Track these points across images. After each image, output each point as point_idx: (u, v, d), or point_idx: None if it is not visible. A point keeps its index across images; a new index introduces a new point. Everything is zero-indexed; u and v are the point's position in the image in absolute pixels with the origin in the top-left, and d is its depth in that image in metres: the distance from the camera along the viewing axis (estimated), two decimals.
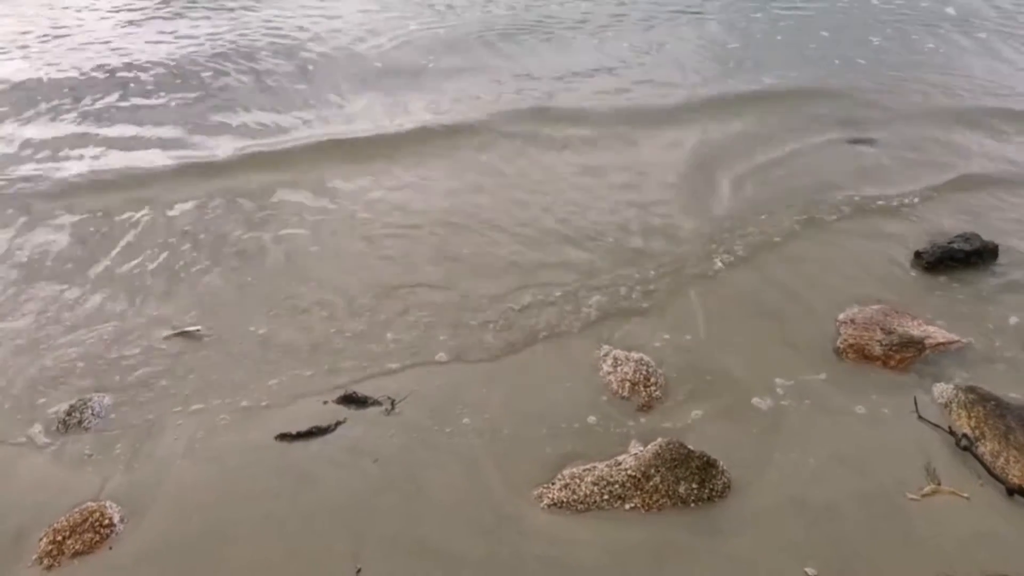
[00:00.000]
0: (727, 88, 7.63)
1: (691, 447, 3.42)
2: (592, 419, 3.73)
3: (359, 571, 3.01)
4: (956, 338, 4.12)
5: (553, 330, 4.33)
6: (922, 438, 3.57)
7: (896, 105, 7.26)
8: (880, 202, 5.59)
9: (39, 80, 7.89)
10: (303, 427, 3.67)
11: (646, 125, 6.90)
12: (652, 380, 3.89)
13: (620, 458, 3.45)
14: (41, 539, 3.16)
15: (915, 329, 4.17)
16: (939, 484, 3.33)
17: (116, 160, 6.37)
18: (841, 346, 4.11)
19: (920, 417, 3.67)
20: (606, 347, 4.16)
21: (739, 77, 7.93)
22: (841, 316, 4.33)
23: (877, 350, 4.04)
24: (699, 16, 9.61)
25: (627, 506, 3.26)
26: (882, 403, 3.78)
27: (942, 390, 3.83)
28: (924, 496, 3.28)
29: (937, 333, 4.15)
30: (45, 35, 9.13)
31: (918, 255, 4.83)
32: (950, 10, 9.69)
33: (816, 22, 9.41)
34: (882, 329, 4.15)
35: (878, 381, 3.93)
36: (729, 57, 8.41)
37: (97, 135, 6.81)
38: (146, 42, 8.92)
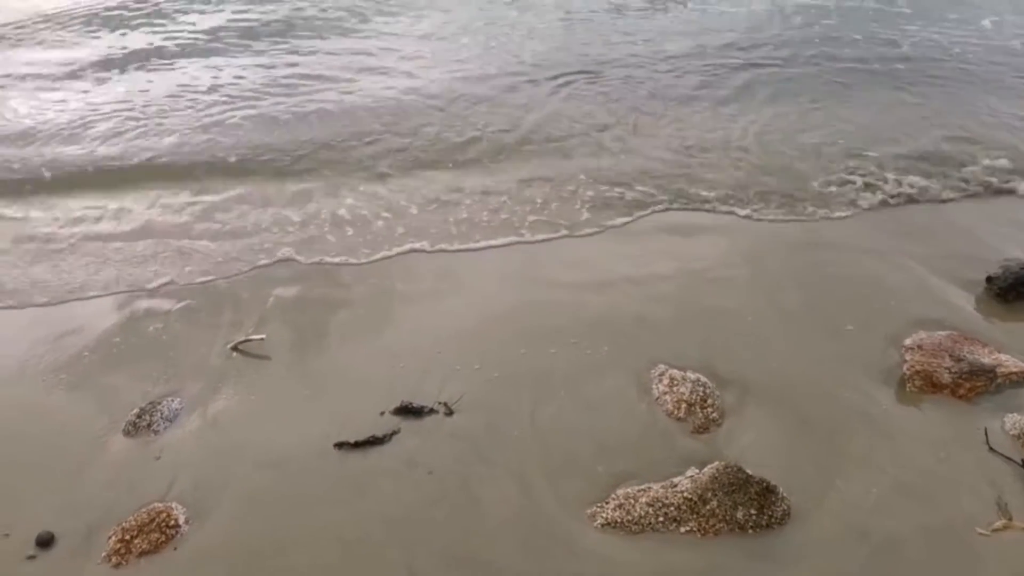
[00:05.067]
0: None
1: (750, 472, 3.37)
2: (646, 439, 3.70)
3: None
4: None
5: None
6: (993, 471, 3.45)
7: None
8: (951, 225, 5.44)
9: None
10: (361, 437, 3.74)
11: None
12: (709, 402, 3.84)
13: (676, 480, 3.41)
14: (110, 537, 3.29)
15: (986, 357, 4.03)
16: (1011, 519, 3.20)
17: None
18: (907, 372, 3.98)
19: (991, 449, 3.54)
20: (661, 366, 4.11)
21: None
22: (907, 342, 4.19)
23: (945, 377, 3.91)
24: None
25: (683, 529, 3.22)
26: (950, 433, 3.66)
27: (1015, 421, 3.68)
28: (994, 531, 3.16)
29: (1009, 362, 4.00)
30: None
31: (989, 280, 4.66)
32: None
33: None
34: (951, 356, 4.02)
35: (946, 410, 3.80)
36: None
37: None
38: None
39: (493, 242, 5.48)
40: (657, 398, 3.92)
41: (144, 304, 4.90)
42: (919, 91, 7.83)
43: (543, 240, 5.48)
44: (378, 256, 5.34)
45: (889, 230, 5.42)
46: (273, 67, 8.93)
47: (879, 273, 4.89)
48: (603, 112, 7.50)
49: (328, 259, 5.34)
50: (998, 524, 3.18)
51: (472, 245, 5.45)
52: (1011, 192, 5.91)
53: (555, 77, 8.28)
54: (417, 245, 5.45)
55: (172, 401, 4.04)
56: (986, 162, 6.29)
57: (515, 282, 4.97)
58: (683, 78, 8.22)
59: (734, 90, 7.93)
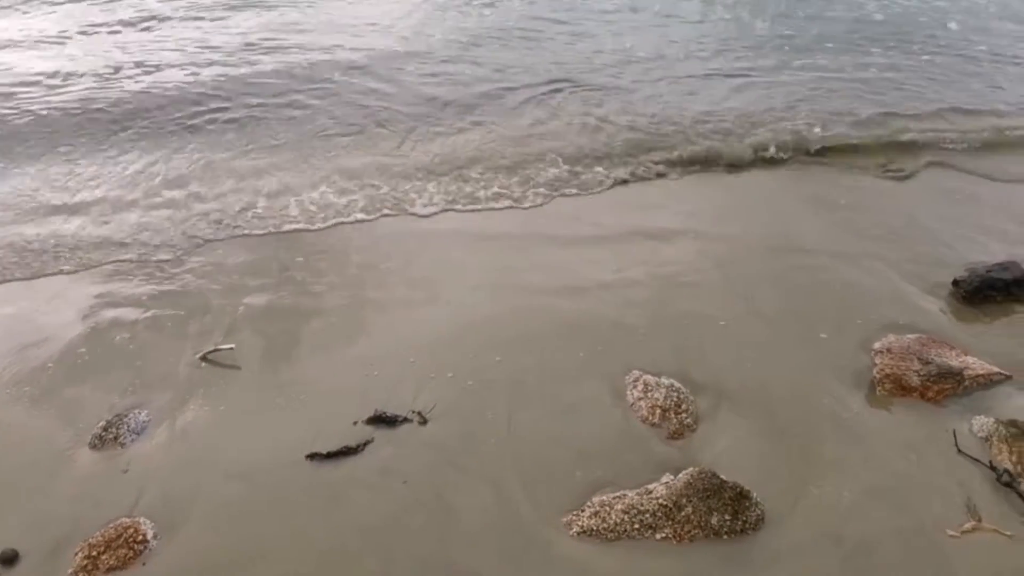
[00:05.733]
0: None
1: (724, 477, 3.38)
2: (621, 446, 3.70)
3: None
4: (997, 370, 4.04)
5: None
6: (962, 473, 3.49)
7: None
8: (917, 230, 5.53)
9: None
10: (333, 447, 3.69)
11: None
12: (684, 407, 3.85)
13: (651, 487, 3.41)
14: (76, 553, 3.21)
15: (954, 360, 4.09)
16: (979, 521, 3.25)
17: None
18: (877, 376, 4.03)
19: (960, 451, 3.59)
20: (636, 372, 4.12)
21: None
22: (876, 345, 4.25)
23: (914, 380, 3.96)
24: None
25: (658, 536, 3.22)
26: (920, 435, 3.70)
27: (982, 423, 3.74)
28: (964, 533, 3.20)
29: (976, 364, 4.07)
30: None
31: (956, 283, 4.74)
32: None
33: None
34: (919, 359, 4.08)
35: (915, 413, 3.85)
36: None
37: None
38: None
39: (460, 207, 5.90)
40: (632, 404, 3.92)
41: (110, 313, 4.79)
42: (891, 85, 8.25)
43: (504, 208, 5.95)
44: (332, 223, 5.66)
45: (858, 233, 5.50)
46: (244, 33, 9.03)
47: (849, 277, 4.95)
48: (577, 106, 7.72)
49: (288, 225, 5.61)
50: (968, 525, 3.23)
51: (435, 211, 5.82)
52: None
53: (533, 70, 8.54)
54: (384, 211, 5.80)
55: (139, 413, 3.95)
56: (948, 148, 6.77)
57: (489, 288, 4.94)
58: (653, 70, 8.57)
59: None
